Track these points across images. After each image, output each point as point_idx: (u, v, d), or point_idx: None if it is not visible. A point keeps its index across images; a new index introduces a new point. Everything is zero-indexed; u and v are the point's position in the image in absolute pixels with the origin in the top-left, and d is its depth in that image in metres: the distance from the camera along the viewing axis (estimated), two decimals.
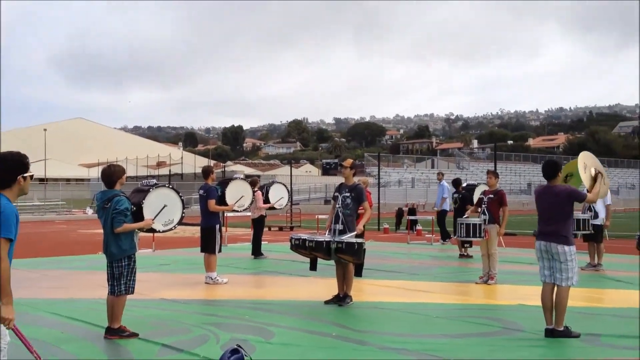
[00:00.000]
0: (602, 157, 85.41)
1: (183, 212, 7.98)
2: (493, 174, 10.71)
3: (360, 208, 8.54)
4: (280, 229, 25.78)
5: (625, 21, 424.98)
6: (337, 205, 8.38)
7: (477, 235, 10.49)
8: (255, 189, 14.07)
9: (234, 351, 5.28)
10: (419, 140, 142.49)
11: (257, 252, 14.42)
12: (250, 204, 12.91)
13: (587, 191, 7.00)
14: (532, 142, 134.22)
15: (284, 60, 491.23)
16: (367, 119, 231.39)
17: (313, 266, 8.73)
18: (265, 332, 6.69)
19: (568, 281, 6.38)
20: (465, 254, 14.08)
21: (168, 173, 43.00)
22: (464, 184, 15.49)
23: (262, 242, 14.90)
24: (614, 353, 5.91)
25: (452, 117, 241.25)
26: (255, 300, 8.98)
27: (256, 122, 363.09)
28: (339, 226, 8.25)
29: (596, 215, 11.84)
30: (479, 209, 10.65)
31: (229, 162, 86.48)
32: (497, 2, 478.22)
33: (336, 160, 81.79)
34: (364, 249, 8.17)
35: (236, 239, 19.18)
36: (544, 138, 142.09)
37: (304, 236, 8.49)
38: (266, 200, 14.83)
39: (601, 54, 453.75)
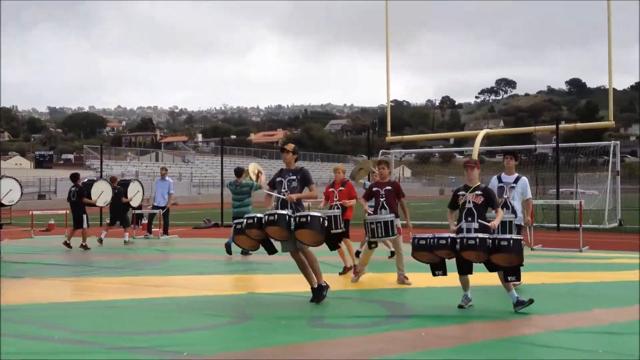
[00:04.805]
0: (315, 152, 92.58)
1: None
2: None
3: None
4: None
5: (327, 27, 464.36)
6: (283, 189, 7.92)
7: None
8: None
9: None
10: (143, 132, 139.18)
11: None
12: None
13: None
14: (253, 137, 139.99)
15: None
16: (86, 109, 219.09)
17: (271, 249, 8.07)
18: None
19: None
20: None
21: None
22: (119, 179, 16.78)
23: None
24: (340, 333, 6.24)
25: (177, 111, 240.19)
26: None
27: None
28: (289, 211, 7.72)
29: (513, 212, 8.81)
30: None
31: None
32: (209, 2, 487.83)
33: (51, 153, 75.44)
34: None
35: None
36: (265, 133, 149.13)
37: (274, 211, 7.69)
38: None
39: (310, 57, 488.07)
